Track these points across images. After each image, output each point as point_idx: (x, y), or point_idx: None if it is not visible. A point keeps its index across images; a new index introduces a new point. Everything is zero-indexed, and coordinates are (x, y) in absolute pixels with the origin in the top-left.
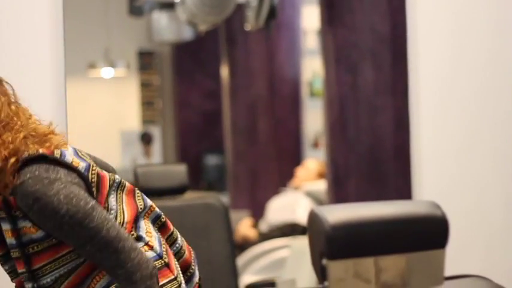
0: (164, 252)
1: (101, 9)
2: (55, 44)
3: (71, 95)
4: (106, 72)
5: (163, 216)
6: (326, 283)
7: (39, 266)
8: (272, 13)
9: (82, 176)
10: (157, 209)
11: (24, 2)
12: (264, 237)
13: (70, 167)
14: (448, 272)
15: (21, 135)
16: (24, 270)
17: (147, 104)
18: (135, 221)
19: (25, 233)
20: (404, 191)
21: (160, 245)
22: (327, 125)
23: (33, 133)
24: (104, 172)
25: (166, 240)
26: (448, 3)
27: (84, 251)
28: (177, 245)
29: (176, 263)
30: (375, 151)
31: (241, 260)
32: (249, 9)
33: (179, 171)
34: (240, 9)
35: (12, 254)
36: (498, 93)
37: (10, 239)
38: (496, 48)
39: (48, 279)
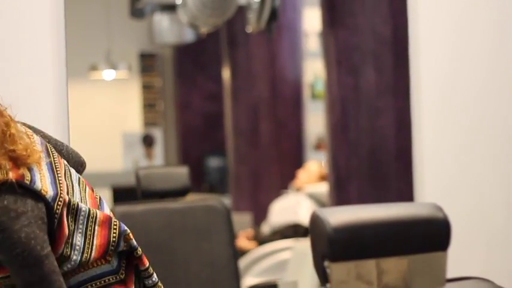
0: (122, 270)
1: (103, 12)
2: (57, 47)
3: (72, 97)
4: (108, 74)
5: (139, 250)
6: (328, 285)
7: None
8: (273, 15)
9: (47, 206)
10: (133, 241)
11: (25, 4)
12: (266, 239)
13: (38, 196)
14: (449, 274)
15: None
16: None
17: (148, 106)
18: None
19: None
20: (406, 193)
21: (120, 264)
22: (328, 127)
23: (9, 152)
24: (71, 201)
25: (140, 272)
26: (449, 5)
27: None
28: (152, 281)
29: (143, 281)
30: (377, 153)
31: (243, 262)
32: (250, 12)
33: (181, 173)
34: (242, 11)
35: None
36: (500, 94)
37: None
38: (497, 49)
39: None
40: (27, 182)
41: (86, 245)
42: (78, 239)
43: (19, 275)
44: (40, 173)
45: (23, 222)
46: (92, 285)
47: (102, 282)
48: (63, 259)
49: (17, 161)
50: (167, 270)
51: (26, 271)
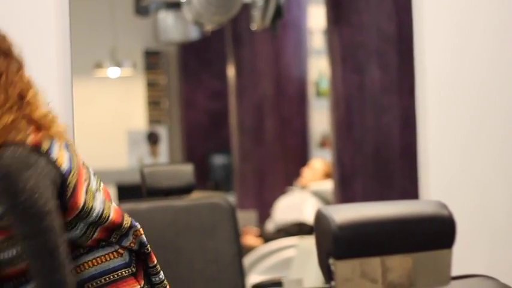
0: (133, 263)
1: (107, 9)
2: (61, 44)
3: (77, 94)
4: (112, 72)
5: (148, 246)
6: (333, 283)
7: None
8: (278, 13)
9: (62, 177)
10: (143, 236)
11: (30, 2)
12: (271, 237)
13: (52, 164)
14: (454, 272)
15: (11, 117)
16: None
17: (153, 103)
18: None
19: None
20: (411, 191)
21: (131, 257)
22: (333, 124)
23: (28, 116)
24: (89, 183)
25: (148, 269)
26: (454, 2)
27: (22, 244)
28: (159, 278)
29: (150, 278)
30: (382, 151)
31: (248, 259)
32: (255, 9)
33: (186, 171)
34: (246, 9)
35: None
36: (504, 92)
37: None
38: (501, 46)
39: (6, 255)
40: (44, 150)
41: (106, 204)
42: (99, 196)
43: (17, 227)
44: (60, 147)
45: (31, 173)
46: (105, 279)
47: (116, 275)
48: (85, 213)
49: (40, 128)
50: (172, 268)
51: (24, 222)
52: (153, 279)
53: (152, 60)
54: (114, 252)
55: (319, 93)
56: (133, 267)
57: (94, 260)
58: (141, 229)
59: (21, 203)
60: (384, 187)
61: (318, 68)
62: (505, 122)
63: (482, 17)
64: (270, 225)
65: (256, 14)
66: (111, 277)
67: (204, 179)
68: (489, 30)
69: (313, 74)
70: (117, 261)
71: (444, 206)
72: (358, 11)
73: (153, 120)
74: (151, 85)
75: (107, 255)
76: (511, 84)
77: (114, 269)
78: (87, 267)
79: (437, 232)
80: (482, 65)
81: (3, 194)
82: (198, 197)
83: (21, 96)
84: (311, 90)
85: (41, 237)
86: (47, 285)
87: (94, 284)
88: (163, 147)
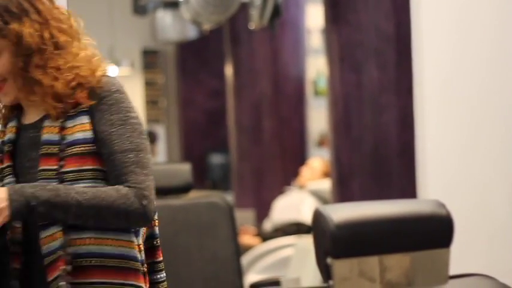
0: (145, 263)
1: (106, 8)
2: None
3: None
4: (110, 71)
5: (159, 239)
6: (331, 282)
7: (67, 170)
8: (276, 12)
9: None
10: (157, 228)
11: None
12: (268, 236)
13: None
14: (452, 271)
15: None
16: (55, 167)
17: (151, 102)
18: None
19: (73, 132)
20: (409, 190)
21: (142, 257)
22: (331, 123)
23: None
24: None
25: (154, 264)
26: (452, 1)
27: (122, 157)
28: (160, 276)
29: (152, 276)
30: (380, 150)
31: (245, 258)
32: (253, 8)
33: (183, 170)
34: (244, 8)
35: (43, 150)
36: (503, 91)
37: (51, 135)
38: (500, 45)
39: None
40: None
41: None
42: None
43: (127, 138)
44: None
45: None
46: (156, 242)
47: (131, 265)
48: None
49: None
50: (170, 267)
51: (136, 134)
52: (156, 276)
53: (150, 59)
54: (135, 245)
55: (317, 93)
56: (145, 267)
57: (115, 241)
58: (156, 220)
59: (133, 117)
60: (382, 186)
61: (316, 67)
62: (504, 121)
63: (480, 16)
64: (268, 225)
65: (254, 13)
66: (127, 264)
67: (202, 178)
68: (487, 29)
69: (311, 73)
70: (135, 253)
71: (442, 205)
72: (356, 10)
73: (151, 119)
74: (149, 84)
75: (128, 242)
76: (510, 83)
77: (130, 258)
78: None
79: (435, 231)
80: (480, 64)
81: (117, 106)
82: (196, 196)
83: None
84: (309, 90)
85: (145, 153)
86: (140, 197)
87: (111, 262)
88: (161, 146)
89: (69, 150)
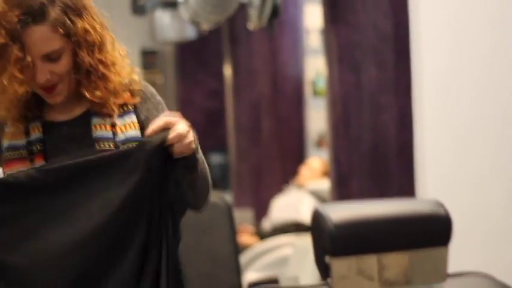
0: None
1: (104, 8)
2: None
3: None
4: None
5: None
6: (329, 280)
7: None
8: (275, 12)
9: None
10: None
11: None
12: (267, 235)
13: None
14: (450, 269)
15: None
16: None
17: None
18: None
19: (126, 129)
20: (407, 190)
21: None
22: (330, 123)
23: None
24: None
25: None
26: (450, 1)
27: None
28: None
29: None
30: (379, 150)
31: (244, 257)
32: (251, 9)
33: None
34: (243, 8)
35: (100, 145)
36: (501, 91)
37: (104, 132)
38: (498, 46)
39: None
40: None
41: None
42: None
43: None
44: None
45: None
46: None
47: None
48: None
49: None
50: None
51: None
52: None
53: (149, 59)
54: None
55: (316, 93)
56: None
57: None
58: None
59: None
60: (381, 186)
61: (315, 67)
62: (502, 120)
63: (478, 15)
64: (267, 224)
65: (252, 13)
66: None
67: None
68: (485, 29)
69: (309, 74)
70: None
71: (441, 205)
72: (355, 10)
73: None
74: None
75: None
76: (508, 83)
77: None
78: None
79: (434, 230)
80: (478, 63)
81: (154, 98)
82: None
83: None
84: (308, 90)
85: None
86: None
87: None
88: None
89: (125, 147)
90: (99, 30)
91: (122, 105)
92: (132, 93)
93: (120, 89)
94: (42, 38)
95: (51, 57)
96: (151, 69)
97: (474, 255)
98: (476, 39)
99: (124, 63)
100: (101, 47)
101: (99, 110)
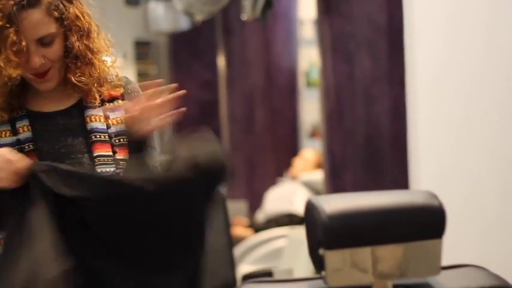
0: None
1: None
2: None
3: None
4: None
5: None
6: (323, 273)
7: (120, 157)
8: (268, 3)
9: None
10: None
11: None
12: (261, 227)
13: None
14: (444, 262)
15: None
16: (111, 153)
17: None
18: None
19: (117, 123)
20: (401, 181)
21: None
22: (324, 114)
23: None
24: None
25: None
26: None
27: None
28: None
29: None
30: (372, 141)
31: (238, 250)
32: None
33: None
34: None
35: (95, 136)
36: (495, 82)
37: (98, 123)
38: (492, 38)
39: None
40: None
41: None
42: None
43: None
44: None
45: None
46: None
47: None
48: None
49: None
50: None
51: None
52: None
53: (142, 50)
54: None
55: (309, 84)
56: None
57: None
58: None
59: None
60: (375, 177)
61: (309, 58)
62: (496, 112)
63: (472, 7)
64: (260, 216)
65: (246, 4)
66: None
67: None
68: (479, 21)
69: (303, 64)
70: None
71: (434, 196)
72: (349, 1)
73: None
74: (141, 75)
75: None
76: (502, 75)
77: None
78: None
79: (428, 222)
80: (472, 55)
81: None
82: None
83: None
84: (301, 81)
85: None
86: None
87: None
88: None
89: (117, 140)
90: (87, 17)
91: (113, 100)
92: (121, 88)
93: (103, 78)
94: (37, 21)
95: (44, 42)
96: (144, 60)
97: (468, 248)
98: (470, 32)
99: (109, 53)
100: (88, 33)
101: (89, 101)
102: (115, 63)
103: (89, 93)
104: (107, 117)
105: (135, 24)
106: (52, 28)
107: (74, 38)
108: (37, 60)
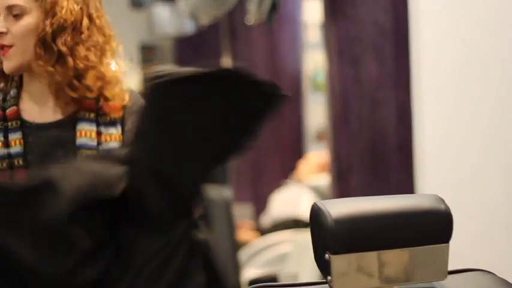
0: None
1: (103, 2)
2: None
3: None
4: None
5: None
6: (329, 277)
7: None
8: (274, 6)
9: None
10: None
11: None
12: (266, 231)
13: None
14: (450, 266)
15: None
16: None
17: None
18: None
19: (111, 140)
20: (407, 185)
21: None
22: (330, 118)
23: None
24: None
25: None
26: None
27: None
28: None
29: None
30: (378, 145)
31: (244, 254)
32: (250, 3)
33: None
34: (242, 2)
35: (83, 153)
36: (501, 85)
37: (89, 139)
38: (498, 41)
39: None
40: None
41: None
42: None
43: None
44: None
45: None
46: None
47: None
48: None
49: None
50: None
51: None
52: None
53: (147, 54)
54: None
55: (315, 87)
56: None
57: None
58: None
59: None
60: (380, 181)
61: (314, 61)
62: (502, 115)
63: (478, 10)
64: (266, 220)
65: (251, 7)
66: None
67: None
68: (485, 23)
69: (308, 68)
70: None
71: (441, 200)
72: (355, 4)
73: None
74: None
75: None
76: (508, 79)
77: None
78: None
79: (434, 226)
80: (478, 58)
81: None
82: None
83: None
84: (307, 84)
85: None
86: None
87: None
88: None
89: None
90: (85, 19)
91: (109, 114)
92: (123, 108)
93: (113, 81)
94: None
95: (13, 12)
96: (150, 64)
97: (475, 252)
98: (476, 34)
99: (116, 59)
100: (74, 31)
101: (83, 112)
102: (121, 70)
103: (83, 103)
104: (99, 133)
105: (140, 28)
106: (22, 1)
107: (47, 22)
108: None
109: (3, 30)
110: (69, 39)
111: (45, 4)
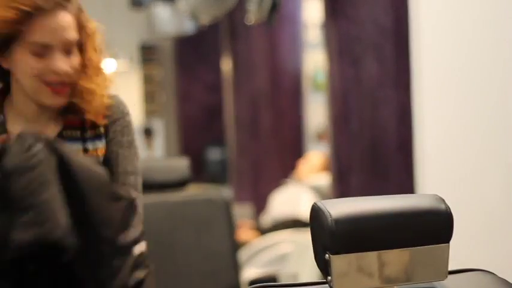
0: None
1: (103, 3)
2: None
3: None
4: (108, 65)
5: None
6: (329, 278)
7: None
8: (274, 6)
9: None
10: None
11: None
12: (266, 230)
13: None
14: (450, 266)
15: None
16: None
17: (149, 97)
18: None
19: (91, 155)
20: (407, 185)
21: None
22: (330, 118)
23: None
24: None
25: None
26: None
27: (123, 178)
28: None
29: None
30: (378, 145)
31: (244, 253)
32: (251, 3)
33: (180, 165)
34: (242, 2)
35: None
36: (501, 85)
37: None
38: (499, 41)
39: None
40: None
41: None
42: None
43: (131, 160)
44: None
45: None
46: None
47: None
48: None
49: None
50: (167, 262)
51: (136, 160)
52: None
53: (148, 54)
54: None
55: (315, 87)
56: None
57: None
58: None
59: (135, 140)
60: (381, 181)
61: (314, 61)
62: (502, 115)
63: (479, 10)
64: (266, 219)
65: (252, 7)
66: None
67: (200, 171)
68: (485, 24)
69: (308, 68)
70: None
71: (441, 200)
72: (355, 4)
73: (149, 114)
74: (147, 79)
75: None
76: (508, 77)
77: None
78: None
79: (435, 226)
80: (478, 58)
81: (127, 129)
82: (193, 192)
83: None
84: (307, 84)
85: (139, 176)
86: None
87: None
88: (159, 140)
89: None
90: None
91: (95, 127)
92: (106, 115)
93: (93, 93)
94: (68, 23)
95: (68, 49)
96: (150, 64)
97: (475, 252)
98: (476, 34)
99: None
100: (100, 50)
101: (73, 131)
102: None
103: (67, 118)
104: (85, 150)
105: (141, 28)
106: (76, 34)
107: (91, 52)
108: (63, 66)
109: (68, 69)
110: (97, 58)
111: (89, 33)
